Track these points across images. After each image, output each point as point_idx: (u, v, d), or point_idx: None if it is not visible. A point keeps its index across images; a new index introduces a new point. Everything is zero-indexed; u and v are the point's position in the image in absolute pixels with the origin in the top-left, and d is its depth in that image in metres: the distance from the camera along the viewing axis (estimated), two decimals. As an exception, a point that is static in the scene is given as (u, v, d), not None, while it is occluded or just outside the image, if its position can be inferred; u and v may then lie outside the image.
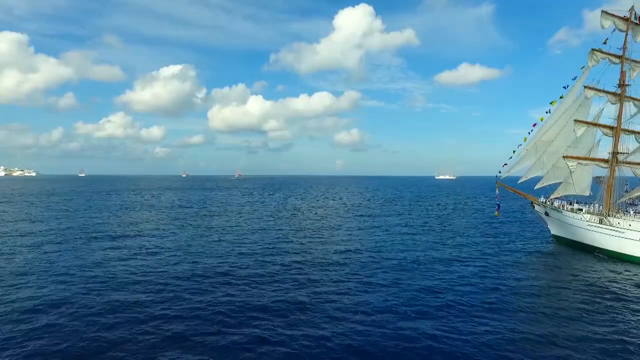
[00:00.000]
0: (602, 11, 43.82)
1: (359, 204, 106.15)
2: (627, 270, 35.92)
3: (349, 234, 54.34)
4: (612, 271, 35.76)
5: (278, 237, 50.64)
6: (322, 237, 51.20)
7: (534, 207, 54.99)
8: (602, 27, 44.16)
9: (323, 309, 24.57)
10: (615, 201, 44.18)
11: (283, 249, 43.00)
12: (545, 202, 51.30)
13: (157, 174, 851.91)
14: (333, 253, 41.40)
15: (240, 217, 73.73)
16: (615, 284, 31.28)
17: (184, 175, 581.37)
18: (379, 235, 53.64)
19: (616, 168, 44.65)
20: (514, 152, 54.99)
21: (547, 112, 51.62)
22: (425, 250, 43.40)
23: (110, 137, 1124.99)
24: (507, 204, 79.57)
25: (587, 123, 44.53)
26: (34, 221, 63.54)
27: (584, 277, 33.40)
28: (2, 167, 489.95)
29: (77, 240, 46.87)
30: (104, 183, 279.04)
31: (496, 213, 62.58)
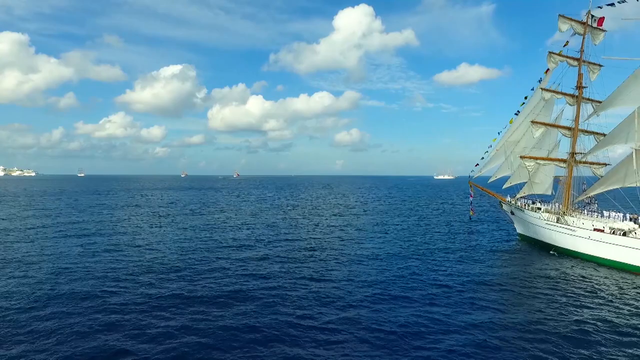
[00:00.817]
0: (559, 15, 44.99)
1: (340, 204, 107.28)
2: (575, 266, 37.13)
3: (322, 231, 55.57)
4: (564, 267, 36.95)
5: (244, 234, 51.93)
6: (288, 234, 52.47)
7: (502, 206, 56.13)
8: (560, 30, 45.35)
9: (263, 300, 25.81)
10: (573, 200, 45.32)
11: (243, 246, 44.25)
12: (511, 201, 52.46)
13: (157, 174, 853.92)
14: (297, 250, 42.63)
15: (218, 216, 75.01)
16: (564, 280, 32.39)
17: (182, 175, 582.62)
18: (350, 233, 54.86)
19: (574, 168, 45.80)
20: (485, 152, 56.33)
21: (515, 114, 52.90)
22: (390, 248, 44.57)
23: (110, 137, 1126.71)
24: (481, 203, 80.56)
25: (544, 124, 45.74)
26: (5, 219, 64.92)
27: (537, 274, 34.32)
28: (1, 167, 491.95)
29: (48, 238, 48.17)
30: (100, 183, 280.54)
31: (471, 212, 63.42)
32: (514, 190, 54.56)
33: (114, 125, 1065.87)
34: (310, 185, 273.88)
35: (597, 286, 30.72)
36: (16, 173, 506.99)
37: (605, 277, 33.46)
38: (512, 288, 29.83)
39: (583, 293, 28.81)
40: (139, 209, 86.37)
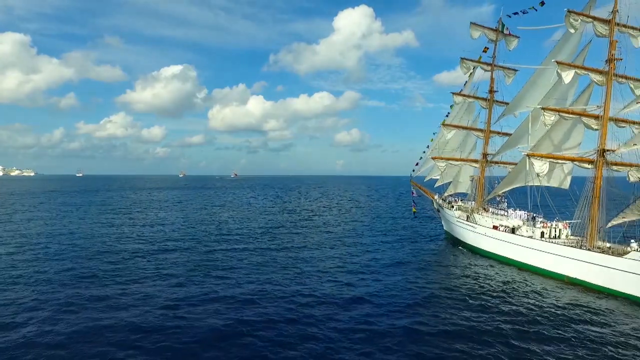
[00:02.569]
0: (471, 23, 47.00)
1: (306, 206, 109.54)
2: (474, 264, 39.41)
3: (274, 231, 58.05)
4: (465, 264, 39.24)
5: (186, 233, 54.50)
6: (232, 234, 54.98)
7: (433, 204, 58.36)
8: (472, 37, 47.46)
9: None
10: (484, 199, 47.48)
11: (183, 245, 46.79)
12: (437, 200, 54.65)
13: (156, 174, 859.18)
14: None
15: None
16: (465, 277, 34.51)
17: (181, 176, 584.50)
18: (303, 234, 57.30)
19: (488, 168, 47.93)
20: (423, 152, 58.53)
21: (446, 116, 55.07)
22: (324, 245, 46.97)
23: (110, 137, 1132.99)
24: (427, 200, 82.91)
25: (456, 126, 47.89)
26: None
27: (444, 270, 36.43)
28: (0, 167, 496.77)
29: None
30: (91, 183, 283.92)
31: (413, 210, 65.67)
32: (444, 189, 56.80)
33: (114, 125, 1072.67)
34: (300, 185, 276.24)
35: (485, 283, 32.43)
36: (15, 173, 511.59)
37: (497, 274, 35.44)
38: (416, 282, 31.64)
39: (472, 290, 29.90)
40: (102, 207, 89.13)
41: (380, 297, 27.86)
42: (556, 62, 32.43)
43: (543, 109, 32.88)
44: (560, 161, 35.67)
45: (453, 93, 48.08)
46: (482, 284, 31.52)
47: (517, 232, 38.33)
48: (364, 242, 48.59)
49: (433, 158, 48.18)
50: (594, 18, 33.23)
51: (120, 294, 27.50)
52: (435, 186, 57.81)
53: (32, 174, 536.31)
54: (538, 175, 34.33)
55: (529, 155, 34.25)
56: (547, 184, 41.94)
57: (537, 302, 27.13)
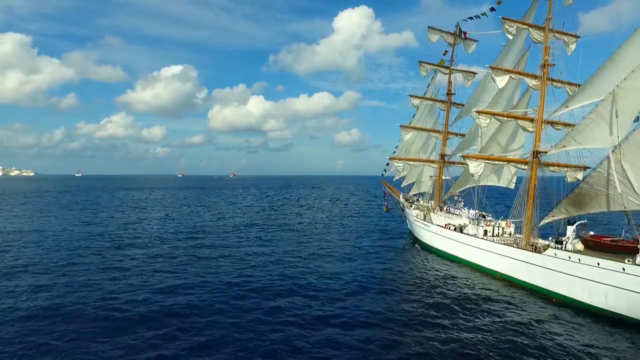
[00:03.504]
0: (429, 27, 48.33)
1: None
2: (428, 261, 40.88)
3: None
4: (418, 261, 40.73)
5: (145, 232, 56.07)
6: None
7: (399, 203, 59.83)
8: (430, 41, 48.82)
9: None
10: (442, 198, 48.89)
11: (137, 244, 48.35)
12: (402, 199, 56.08)
13: (156, 174, 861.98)
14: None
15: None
16: (416, 273, 35.88)
17: (179, 175, 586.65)
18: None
19: (446, 168, 49.34)
20: (393, 152, 59.97)
21: (413, 116, 56.54)
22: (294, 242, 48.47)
23: (111, 137, 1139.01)
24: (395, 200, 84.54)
25: (413, 128, 49.30)
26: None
27: (398, 266, 38.02)
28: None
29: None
30: (89, 183, 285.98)
31: (384, 208, 67.16)
32: (410, 188, 58.30)
33: (114, 125, 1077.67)
34: (291, 185, 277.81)
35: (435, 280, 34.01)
36: (14, 173, 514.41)
37: (439, 269, 37.10)
38: (363, 278, 33.05)
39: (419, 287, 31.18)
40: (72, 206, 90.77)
41: (324, 290, 29.42)
42: (490, 67, 33.86)
43: (477, 112, 34.24)
44: (496, 162, 37.00)
45: (410, 95, 49.52)
46: (423, 279, 33.08)
47: (465, 231, 39.73)
48: (328, 240, 50.02)
49: (390, 158, 49.59)
50: (529, 25, 34.61)
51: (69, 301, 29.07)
52: (402, 186, 59.36)
53: (32, 174, 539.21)
54: (472, 175, 35.70)
55: (463, 157, 35.66)
56: (496, 184, 43.49)
57: (465, 294, 29.10)
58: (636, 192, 26.69)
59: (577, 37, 35.68)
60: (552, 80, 34.39)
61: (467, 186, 44.95)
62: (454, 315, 25.00)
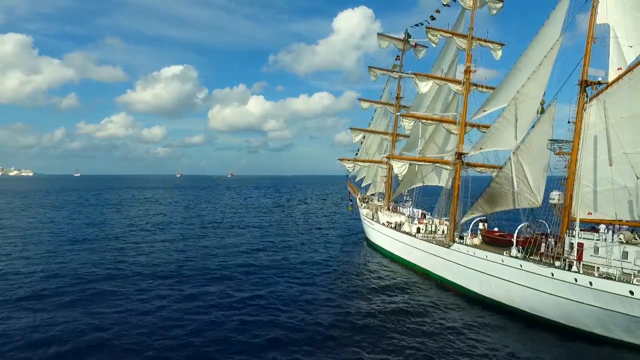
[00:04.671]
0: (378, 34, 49.94)
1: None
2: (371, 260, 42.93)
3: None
4: (361, 259, 42.76)
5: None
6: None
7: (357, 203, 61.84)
8: (380, 46, 50.53)
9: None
10: (392, 197, 50.82)
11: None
12: (359, 198, 58.03)
13: (156, 173, 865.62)
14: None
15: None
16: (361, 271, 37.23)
17: (178, 175, 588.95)
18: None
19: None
20: (356, 154, 61.97)
21: (371, 119, 58.55)
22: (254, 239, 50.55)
23: (111, 137, 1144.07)
24: None
25: (360, 130, 51.31)
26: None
27: (343, 265, 39.15)
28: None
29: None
30: (86, 183, 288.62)
31: (350, 208, 69.17)
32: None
33: (115, 125, 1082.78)
34: (278, 185, 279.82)
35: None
36: (14, 173, 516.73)
37: (370, 263, 39.12)
38: (304, 276, 34.21)
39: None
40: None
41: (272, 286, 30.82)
42: (413, 73, 35.89)
43: (402, 115, 36.30)
44: (421, 163, 38.97)
45: (360, 99, 51.36)
46: (356, 273, 35.12)
47: (402, 229, 41.65)
48: (285, 239, 52.01)
49: (340, 159, 51.58)
50: (453, 33, 36.64)
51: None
52: (362, 186, 61.32)
53: (31, 174, 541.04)
54: (397, 175, 37.70)
55: (387, 157, 37.68)
56: (437, 184, 45.41)
57: (380, 282, 31.65)
58: (532, 191, 28.69)
59: (502, 45, 37.73)
60: (475, 85, 36.37)
61: (413, 186, 46.81)
62: (360, 309, 26.24)
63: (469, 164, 35.89)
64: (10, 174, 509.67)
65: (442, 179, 44.84)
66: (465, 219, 35.10)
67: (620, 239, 21.91)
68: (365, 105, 51.25)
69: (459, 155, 36.34)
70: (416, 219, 40.93)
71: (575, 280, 21.46)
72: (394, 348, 20.44)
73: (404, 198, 50.81)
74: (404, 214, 45.87)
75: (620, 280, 20.06)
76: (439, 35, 36.57)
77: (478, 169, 36.47)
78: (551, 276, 22.68)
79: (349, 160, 51.45)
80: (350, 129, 51.23)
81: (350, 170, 52.06)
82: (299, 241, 49.88)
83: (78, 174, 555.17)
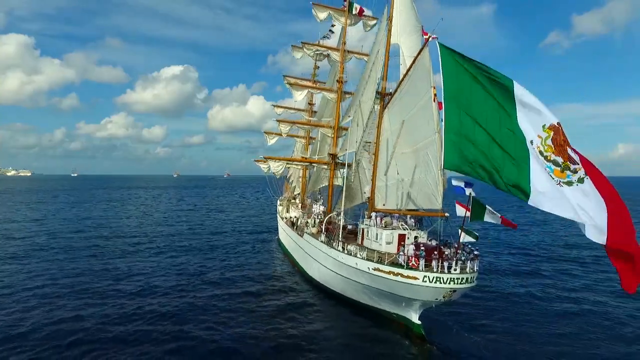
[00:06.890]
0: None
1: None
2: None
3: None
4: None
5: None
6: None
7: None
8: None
9: None
10: (307, 195, 54.67)
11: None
12: (282, 198, 61.66)
13: (155, 174, 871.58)
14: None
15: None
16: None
17: (175, 176, 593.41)
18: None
19: (309, 168, 55.03)
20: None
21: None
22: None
23: (111, 137, 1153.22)
24: None
25: (275, 134, 55.24)
26: None
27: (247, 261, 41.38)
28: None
29: None
30: (81, 183, 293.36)
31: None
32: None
33: (115, 125, 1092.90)
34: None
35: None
36: (11, 173, 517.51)
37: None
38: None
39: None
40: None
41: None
42: (288, 83, 40.02)
43: (278, 121, 40.56)
44: (298, 163, 43.18)
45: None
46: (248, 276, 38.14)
47: (298, 224, 45.50)
48: (210, 241, 55.61)
49: (255, 160, 55.45)
50: (328, 47, 40.78)
51: None
52: (293, 185, 65.17)
53: (29, 174, 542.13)
54: (274, 174, 42.00)
55: (265, 158, 41.87)
56: (339, 184, 49.31)
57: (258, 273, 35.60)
58: (364, 190, 32.78)
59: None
60: (347, 93, 40.54)
61: (320, 185, 50.50)
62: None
63: (342, 164, 39.98)
64: (8, 174, 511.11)
65: (339, 178, 48.88)
66: (334, 213, 39.18)
67: (383, 224, 26.16)
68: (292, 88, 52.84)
69: (333, 156, 40.51)
70: (314, 215, 44.64)
71: (336, 257, 26.62)
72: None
73: (318, 196, 54.59)
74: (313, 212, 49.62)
75: (355, 256, 25.13)
76: (313, 49, 40.64)
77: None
78: (333, 257, 27.43)
79: (260, 160, 54.86)
80: (265, 132, 54.48)
81: (266, 170, 55.51)
82: (215, 239, 53.50)
83: (75, 174, 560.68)
